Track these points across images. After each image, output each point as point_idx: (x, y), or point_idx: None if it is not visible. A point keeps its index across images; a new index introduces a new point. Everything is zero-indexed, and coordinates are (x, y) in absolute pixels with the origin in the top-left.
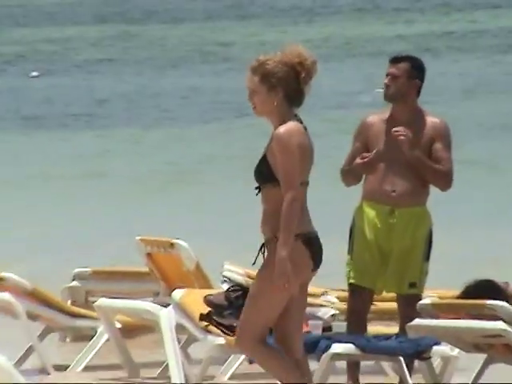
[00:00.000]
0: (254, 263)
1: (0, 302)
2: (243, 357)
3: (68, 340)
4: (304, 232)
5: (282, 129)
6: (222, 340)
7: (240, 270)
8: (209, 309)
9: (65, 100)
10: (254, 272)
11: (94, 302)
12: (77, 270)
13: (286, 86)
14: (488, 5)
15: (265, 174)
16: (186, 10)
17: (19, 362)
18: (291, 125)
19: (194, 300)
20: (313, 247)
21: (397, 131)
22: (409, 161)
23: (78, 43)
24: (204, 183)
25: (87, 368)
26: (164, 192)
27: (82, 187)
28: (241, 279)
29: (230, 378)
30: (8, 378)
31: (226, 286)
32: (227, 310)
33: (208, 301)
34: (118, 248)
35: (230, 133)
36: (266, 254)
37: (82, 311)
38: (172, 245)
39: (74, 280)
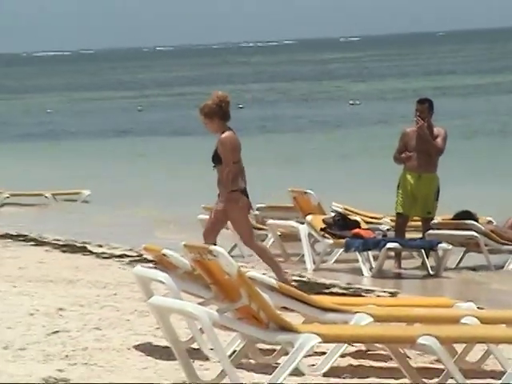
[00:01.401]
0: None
1: None
2: (341, 251)
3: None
4: (241, 187)
5: (223, 136)
6: (331, 241)
7: (340, 205)
8: (324, 225)
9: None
10: (349, 207)
11: (266, 222)
12: (257, 205)
13: (218, 114)
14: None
15: (217, 159)
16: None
17: (229, 253)
18: (227, 133)
19: (317, 221)
20: (246, 195)
21: (418, 120)
22: (427, 150)
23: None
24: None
25: None
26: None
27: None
28: (340, 210)
29: (334, 262)
30: (224, 259)
31: (333, 214)
32: (333, 226)
33: (324, 221)
34: (274, 194)
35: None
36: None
37: (260, 226)
38: (306, 193)
39: (256, 210)
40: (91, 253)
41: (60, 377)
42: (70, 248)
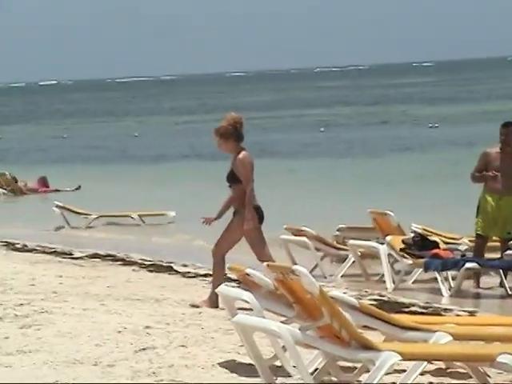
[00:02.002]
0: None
1: (301, 242)
2: (420, 270)
3: (334, 261)
4: (255, 204)
5: (241, 156)
6: (410, 261)
7: (419, 226)
8: (404, 246)
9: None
10: (428, 228)
11: (347, 242)
12: (339, 226)
13: (233, 135)
14: None
15: (233, 178)
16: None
17: (310, 272)
18: (244, 153)
19: (397, 241)
20: (259, 212)
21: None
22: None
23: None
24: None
25: (343, 276)
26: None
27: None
28: (420, 231)
29: (413, 282)
30: (306, 279)
31: (412, 235)
32: (413, 246)
33: (404, 241)
34: (357, 216)
35: None
36: (235, 216)
37: (341, 246)
38: (385, 214)
39: (337, 231)
40: (177, 272)
41: None
42: (156, 267)
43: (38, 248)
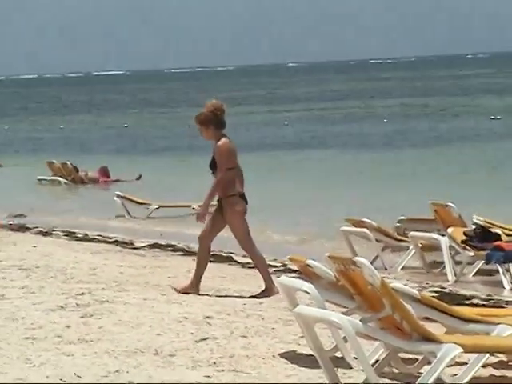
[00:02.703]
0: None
1: (362, 233)
2: (482, 263)
3: (394, 252)
4: (239, 191)
5: (220, 143)
6: (472, 253)
7: (481, 218)
8: (465, 237)
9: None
10: (490, 220)
11: (407, 234)
12: (399, 217)
13: (213, 122)
14: None
15: (214, 166)
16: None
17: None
18: (223, 140)
19: (458, 233)
20: (243, 198)
21: None
22: None
23: None
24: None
25: (403, 268)
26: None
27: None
28: (481, 223)
29: (474, 274)
30: (367, 270)
31: (473, 227)
32: (474, 238)
33: (465, 233)
34: (417, 208)
35: None
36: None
37: (401, 238)
38: (447, 206)
39: (398, 222)
40: (237, 263)
41: (208, 383)
42: (216, 258)
43: (98, 237)
